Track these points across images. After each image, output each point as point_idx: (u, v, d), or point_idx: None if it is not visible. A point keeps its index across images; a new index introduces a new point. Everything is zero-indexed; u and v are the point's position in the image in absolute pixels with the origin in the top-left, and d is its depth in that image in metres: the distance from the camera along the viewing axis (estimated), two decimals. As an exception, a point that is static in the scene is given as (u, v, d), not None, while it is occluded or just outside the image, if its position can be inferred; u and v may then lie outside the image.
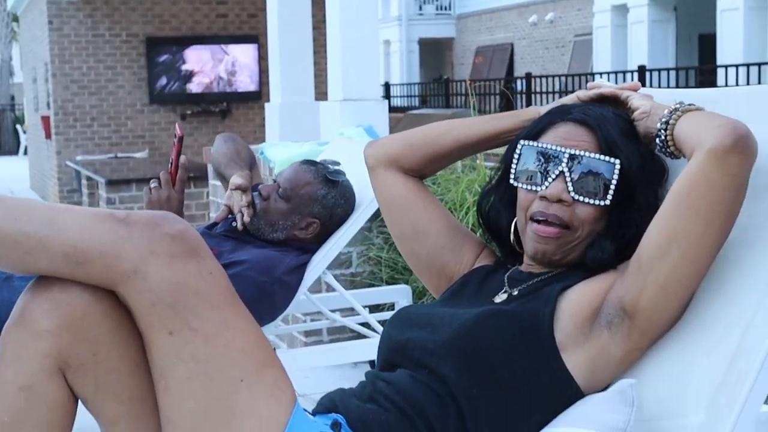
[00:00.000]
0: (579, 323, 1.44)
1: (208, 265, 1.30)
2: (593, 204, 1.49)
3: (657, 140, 1.48)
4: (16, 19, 27.63)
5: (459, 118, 1.79)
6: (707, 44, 16.90)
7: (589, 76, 14.25)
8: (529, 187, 1.54)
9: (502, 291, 1.58)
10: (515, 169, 1.56)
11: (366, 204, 2.85)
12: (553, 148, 1.51)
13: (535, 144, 1.54)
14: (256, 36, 13.06)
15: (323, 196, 2.77)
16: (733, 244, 1.38)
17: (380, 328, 3.08)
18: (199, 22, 12.88)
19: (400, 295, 3.57)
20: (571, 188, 1.49)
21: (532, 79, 12.70)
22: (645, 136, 1.53)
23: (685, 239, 1.35)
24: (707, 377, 1.33)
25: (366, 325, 3.26)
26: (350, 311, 3.75)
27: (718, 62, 14.15)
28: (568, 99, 1.66)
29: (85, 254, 1.26)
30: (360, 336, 3.49)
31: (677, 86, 11.99)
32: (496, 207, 1.67)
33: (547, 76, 12.90)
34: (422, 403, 1.41)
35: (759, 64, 10.77)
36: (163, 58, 12.72)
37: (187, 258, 1.28)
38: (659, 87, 11.82)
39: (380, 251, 3.92)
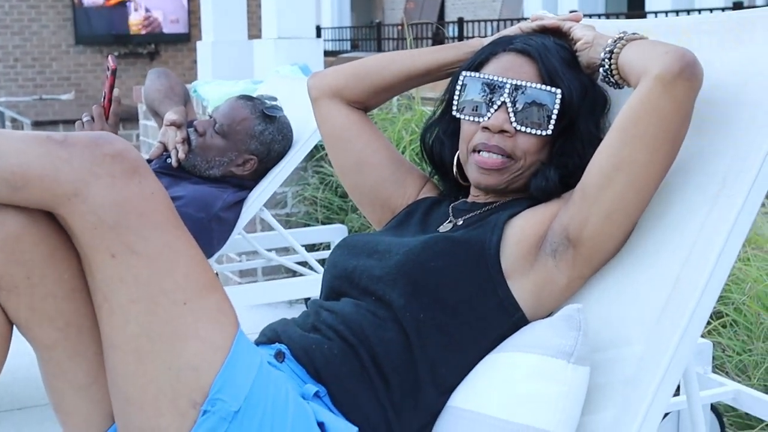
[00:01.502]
0: (524, 251, 1.45)
1: (150, 185, 1.26)
2: (535, 134, 1.50)
3: (600, 70, 1.48)
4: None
5: (404, 51, 1.78)
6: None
7: (519, 21, 14.26)
8: (471, 119, 1.53)
9: (447, 221, 1.59)
10: (458, 100, 1.56)
11: (303, 141, 2.82)
12: (495, 78, 1.51)
13: (477, 75, 1.54)
14: (184, -23, 12.80)
15: (260, 132, 2.74)
16: (675, 171, 1.40)
17: (319, 267, 3.07)
18: (125, -39, 12.57)
19: (336, 235, 3.57)
20: (513, 118, 1.49)
21: (464, 24, 12.65)
22: (588, 66, 1.53)
23: (631, 167, 1.35)
24: (650, 305, 1.34)
25: (304, 264, 3.25)
26: (285, 251, 3.74)
27: (647, 9, 14.27)
28: (511, 30, 1.66)
29: (24, 178, 1.21)
30: (295, 275, 3.48)
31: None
32: (440, 139, 1.67)
33: (479, 21, 12.89)
34: (366, 331, 1.41)
35: (687, 11, 10.89)
36: (89, -3, 12.40)
37: (129, 178, 1.24)
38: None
39: (315, 191, 3.90)
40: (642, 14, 13.12)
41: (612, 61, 1.45)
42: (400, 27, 16.76)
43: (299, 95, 3.05)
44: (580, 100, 1.51)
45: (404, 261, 1.44)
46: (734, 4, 9.82)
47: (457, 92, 1.56)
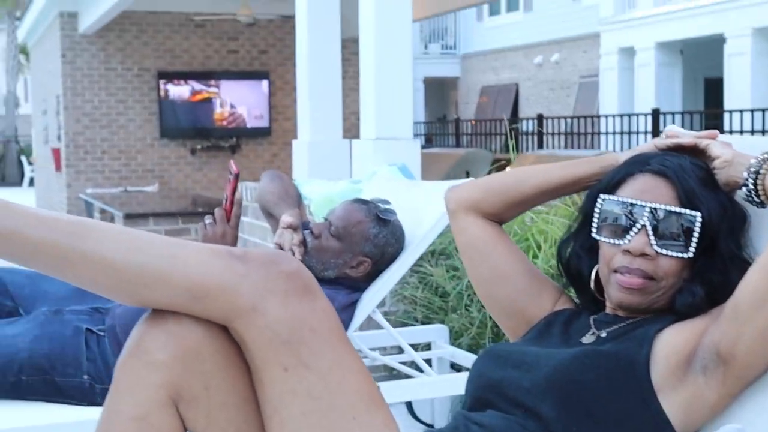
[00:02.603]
0: (673, 366, 1.45)
1: (321, 303, 1.31)
2: (676, 256, 1.51)
3: (744, 189, 1.50)
4: (23, 51, 27.82)
5: (537, 165, 1.82)
6: (713, 88, 17.04)
7: (595, 118, 14.37)
8: (611, 241, 1.56)
9: (590, 333, 1.60)
10: (596, 222, 1.59)
11: (416, 243, 2.87)
12: (634, 202, 1.54)
13: (616, 198, 1.56)
14: (266, 72, 13.16)
15: (375, 235, 2.79)
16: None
17: (427, 368, 3.08)
18: (210, 57, 12.97)
19: (437, 335, 3.58)
20: (653, 242, 1.51)
21: (544, 120, 12.73)
22: (726, 184, 1.55)
23: None
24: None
25: (410, 364, 3.26)
26: (383, 349, 3.76)
27: (725, 107, 14.26)
28: (645, 147, 1.68)
29: (206, 290, 1.27)
30: (397, 376, 3.49)
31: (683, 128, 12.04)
32: (577, 254, 1.69)
33: (557, 117, 12.97)
34: None
35: (765, 110, 10.84)
36: (174, 92, 12.79)
37: (302, 295, 1.30)
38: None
39: (414, 290, 3.93)
40: (719, 112, 13.09)
41: (759, 181, 1.47)
42: (473, 122, 16.97)
43: (405, 197, 3.12)
44: (720, 220, 1.52)
45: (555, 373, 1.46)
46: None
47: (596, 214, 1.59)
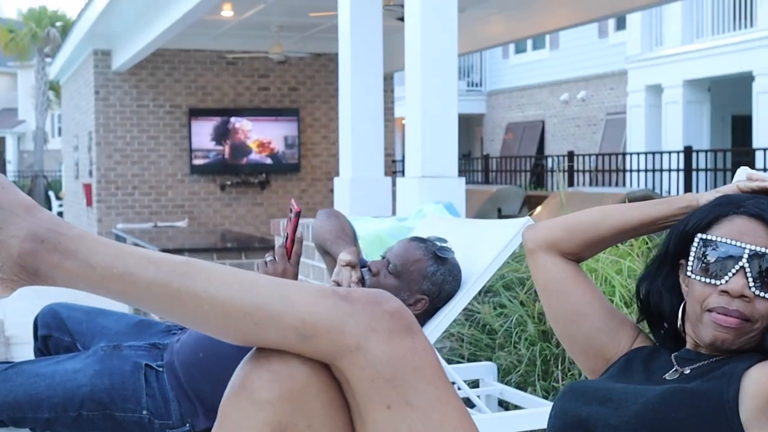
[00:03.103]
0: (762, 405, 1.46)
1: (422, 342, 1.33)
2: None
3: None
4: (52, 87, 28.15)
5: (615, 204, 1.84)
6: (740, 126, 17.02)
7: (622, 156, 14.39)
8: (707, 281, 1.57)
9: (673, 370, 1.61)
10: (692, 261, 1.60)
11: (472, 282, 2.88)
12: (733, 243, 1.55)
13: (716, 238, 1.58)
14: (296, 109, 13.28)
15: (433, 273, 2.80)
16: None
17: (481, 404, 3.08)
18: (241, 94, 13.10)
19: (485, 372, 3.58)
20: (752, 284, 1.52)
21: (575, 157, 12.76)
22: None
23: None
24: None
25: (465, 400, 3.26)
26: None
27: (754, 144, 14.24)
28: (728, 189, 1.70)
29: (314, 329, 1.29)
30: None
31: (715, 167, 12.08)
32: (659, 291, 1.70)
33: (587, 155, 12.98)
34: None
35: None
36: (204, 129, 12.91)
37: (404, 334, 1.31)
38: (698, 167, 11.88)
39: (461, 327, 3.94)
40: (749, 150, 13.06)
41: None
42: (499, 159, 17.04)
43: (457, 235, 3.14)
44: None
45: (645, 411, 1.47)
46: None
47: (692, 253, 1.60)
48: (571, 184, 12.59)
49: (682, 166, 11.56)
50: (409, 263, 2.80)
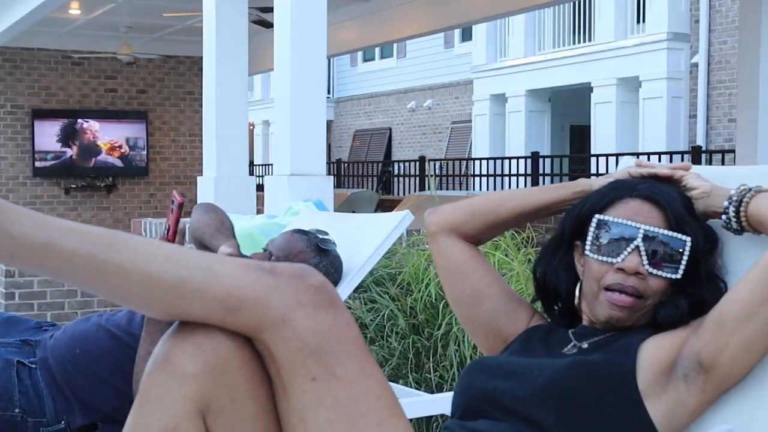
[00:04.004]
0: (657, 375, 1.56)
1: (345, 315, 1.36)
2: (666, 277, 1.62)
3: (724, 217, 1.62)
4: None
5: (515, 189, 1.92)
6: (577, 134, 17.78)
7: (469, 161, 14.81)
8: (604, 259, 1.65)
9: (571, 345, 1.69)
10: (589, 240, 1.68)
11: (353, 274, 2.92)
12: (628, 223, 1.64)
13: (611, 218, 1.66)
14: (144, 112, 13.01)
15: (315, 265, 2.82)
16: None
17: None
18: (87, 95, 12.74)
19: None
20: (646, 262, 1.62)
21: (426, 162, 13.05)
22: (704, 213, 1.67)
23: None
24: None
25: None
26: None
27: (592, 151, 14.88)
28: (620, 175, 1.80)
29: (240, 301, 1.29)
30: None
31: (553, 172, 12.57)
32: (555, 272, 1.78)
33: (439, 160, 13.27)
34: None
35: (628, 154, 11.38)
36: (49, 131, 12.48)
37: (329, 308, 1.33)
38: (544, 172, 12.34)
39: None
40: (586, 156, 13.63)
41: (741, 209, 1.60)
42: (345, 164, 17.21)
43: (335, 230, 3.17)
44: (704, 244, 1.65)
45: (551, 382, 1.54)
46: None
47: (589, 233, 1.67)
48: (422, 188, 12.83)
49: (529, 171, 11.97)
50: (292, 255, 2.81)
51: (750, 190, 1.60)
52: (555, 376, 1.55)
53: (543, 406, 1.51)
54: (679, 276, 1.62)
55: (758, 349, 1.52)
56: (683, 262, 1.61)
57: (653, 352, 1.58)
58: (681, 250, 1.62)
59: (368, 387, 1.34)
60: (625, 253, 1.62)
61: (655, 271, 1.61)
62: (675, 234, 1.62)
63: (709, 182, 1.69)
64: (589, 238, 1.67)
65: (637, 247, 1.62)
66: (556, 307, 1.81)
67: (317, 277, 1.35)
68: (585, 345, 1.67)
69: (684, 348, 1.56)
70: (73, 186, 12.71)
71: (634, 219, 1.64)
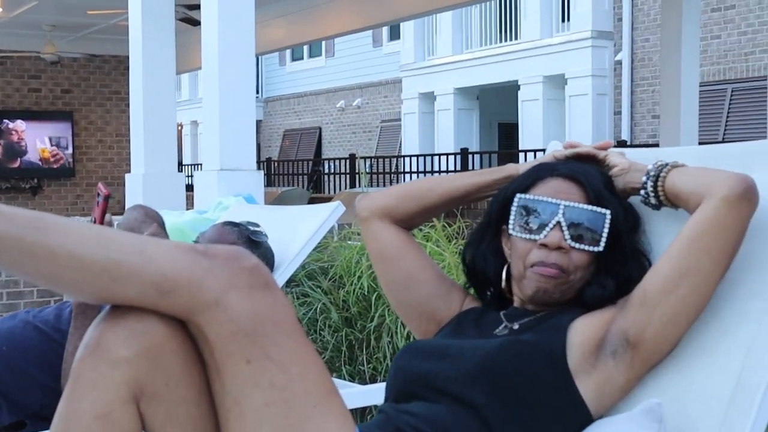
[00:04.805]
0: (586, 353, 1.59)
1: (280, 298, 1.36)
2: (588, 250, 1.66)
3: (642, 192, 1.67)
4: None
5: (444, 175, 1.94)
6: (505, 131, 17.99)
7: (399, 159, 14.89)
8: (527, 236, 1.68)
9: (502, 326, 1.71)
10: (513, 220, 1.71)
11: (286, 265, 2.92)
12: (549, 200, 1.68)
13: (533, 197, 1.69)
14: (70, 112, 12.80)
15: (247, 257, 2.82)
16: (727, 278, 1.58)
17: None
18: (10, 96, 12.50)
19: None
20: (567, 236, 1.65)
21: (356, 160, 13.09)
22: (623, 190, 1.72)
23: (697, 275, 1.53)
24: (716, 399, 1.50)
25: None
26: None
27: (520, 147, 15.07)
28: (546, 158, 1.84)
29: (174, 284, 1.28)
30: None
31: (481, 167, 12.71)
32: (483, 255, 1.81)
33: (373, 158, 13.31)
34: (450, 429, 1.51)
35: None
36: (-30, 131, 12.21)
37: (263, 290, 1.33)
38: (474, 167, 12.47)
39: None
40: (514, 152, 13.79)
41: (659, 183, 1.64)
42: (275, 163, 17.17)
43: (266, 222, 3.17)
44: (623, 218, 1.69)
45: (484, 362, 1.56)
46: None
47: (512, 212, 1.71)
48: (353, 186, 12.85)
49: (458, 167, 12.08)
50: (223, 247, 2.80)
51: (666, 165, 1.65)
52: (487, 356, 1.57)
53: (476, 386, 1.53)
54: (600, 249, 1.65)
55: (681, 323, 1.56)
56: (604, 235, 1.65)
57: (582, 331, 1.61)
58: (601, 223, 1.65)
59: (304, 369, 1.34)
60: (547, 229, 1.65)
61: (577, 245, 1.65)
62: (595, 208, 1.66)
63: (628, 159, 1.73)
64: (512, 217, 1.70)
65: (559, 222, 1.65)
66: (488, 292, 1.84)
67: (251, 259, 1.36)
68: (516, 326, 1.69)
69: (611, 326, 1.60)
70: (-4, 188, 12.46)
71: (556, 196, 1.67)
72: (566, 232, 1.65)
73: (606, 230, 1.65)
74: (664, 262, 1.57)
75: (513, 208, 1.71)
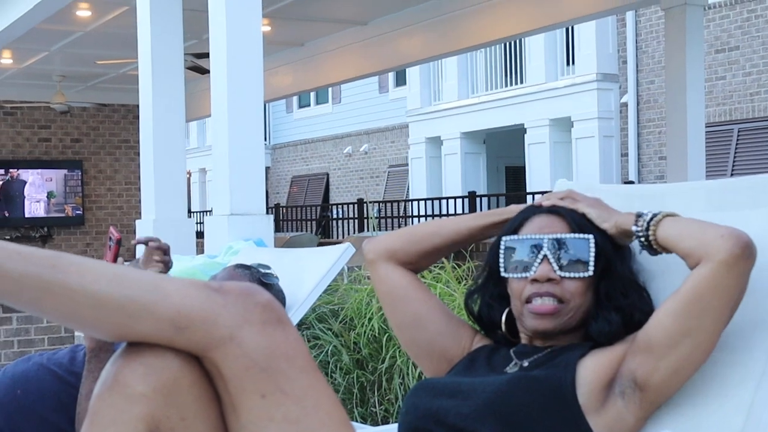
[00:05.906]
0: (596, 391, 1.60)
1: (293, 333, 1.38)
2: (579, 277, 1.68)
3: (637, 240, 1.67)
4: None
5: (447, 218, 1.97)
6: (513, 175, 18.04)
7: (407, 203, 14.92)
8: (519, 275, 1.71)
9: (512, 363, 1.73)
10: (503, 263, 1.74)
11: (297, 307, 2.94)
12: (533, 236, 1.71)
13: (516, 237, 1.74)
14: (79, 161, 12.90)
15: (258, 300, 2.83)
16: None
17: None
18: (20, 145, 12.61)
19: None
20: (556, 267, 1.68)
21: (365, 205, 13.12)
22: (621, 232, 1.70)
23: (698, 334, 1.55)
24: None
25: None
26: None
27: (528, 189, 15.10)
28: (536, 203, 1.86)
29: (189, 320, 1.30)
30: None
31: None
32: (487, 303, 1.83)
33: (378, 202, 13.32)
34: None
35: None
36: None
37: (276, 325, 1.35)
38: (482, 210, 12.50)
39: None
40: (522, 195, 13.84)
41: (650, 233, 1.64)
42: (284, 209, 17.23)
43: (277, 265, 3.19)
44: (611, 246, 1.70)
45: (493, 398, 1.58)
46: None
47: (501, 256, 1.74)
48: (361, 230, 12.88)
49: (467, 210, 12.10)
50: (235, 290, 2.82)
51: (655, 215, 1.65)
52: (497, 391, 1.58)
53: (487, 422, 1.55)
54: (590, 273, 1.67)
55: (685, 373, 1.58)
56: (591, 260, 1.67)
57: (593, 369, 1.62)
58: (586, 248, 1.68)
59: (317, 402, 1.36)
60: (536, 264, 1.68)
61: (566, 274, 1.67)
62: (577, 235, 1.69)
63: (601, 207, 1.74)
64: (501, 260, 1.73)
65: (545, 256, 1.68)
66: (498, 332, 1.85)
67: (264, 295, 1.37)
68: (526, 363, 1.71)
69: (621, 366, 1.62)
70: (7, 237, 12.50)
71: (540, 232, 1.71)
72: (554, 264, 1.68)
73: (592, 254, 1.68)
74: (667, 315, 1.58)
75: (501, 252, 1.74)
